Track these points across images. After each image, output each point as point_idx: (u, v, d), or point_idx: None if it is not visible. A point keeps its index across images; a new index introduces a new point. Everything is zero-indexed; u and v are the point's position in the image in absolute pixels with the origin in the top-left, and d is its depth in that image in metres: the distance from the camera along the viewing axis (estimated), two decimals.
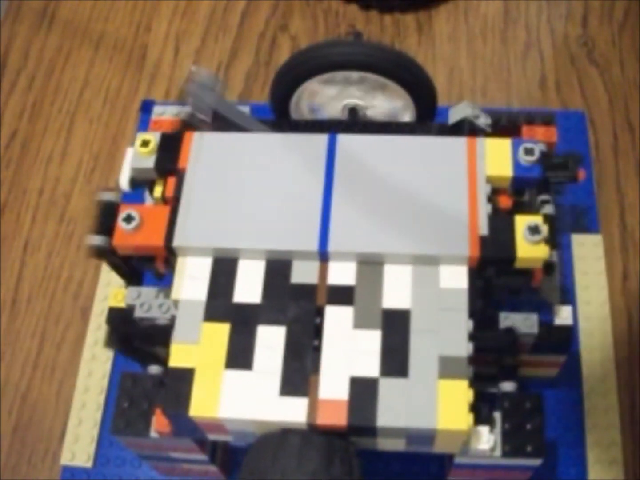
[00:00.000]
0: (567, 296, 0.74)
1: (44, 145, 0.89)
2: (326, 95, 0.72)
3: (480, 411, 0.55)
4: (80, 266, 0.81)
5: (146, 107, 0.84)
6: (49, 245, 0.83)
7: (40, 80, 0.93)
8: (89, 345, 0.76)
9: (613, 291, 0.76)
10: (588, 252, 0.77)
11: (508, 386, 0.58)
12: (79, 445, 0.71)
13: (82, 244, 0.82)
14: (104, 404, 0.73)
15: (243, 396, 0.53)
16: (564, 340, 0.59)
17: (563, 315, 0.60)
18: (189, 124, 0.65)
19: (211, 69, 0.91)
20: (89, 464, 0.71)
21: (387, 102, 0.72)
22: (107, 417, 0.72)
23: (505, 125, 0.64)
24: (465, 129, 0.63)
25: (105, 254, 0.60)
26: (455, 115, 0.64)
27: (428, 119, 0.70)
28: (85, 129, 0.89)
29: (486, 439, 0.54)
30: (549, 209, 0.61)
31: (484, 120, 0.63)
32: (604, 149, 0.84)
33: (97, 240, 0.59)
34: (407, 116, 0.72)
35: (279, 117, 0.72)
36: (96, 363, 0.75)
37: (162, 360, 0.58)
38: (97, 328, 0.76)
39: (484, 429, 0.54)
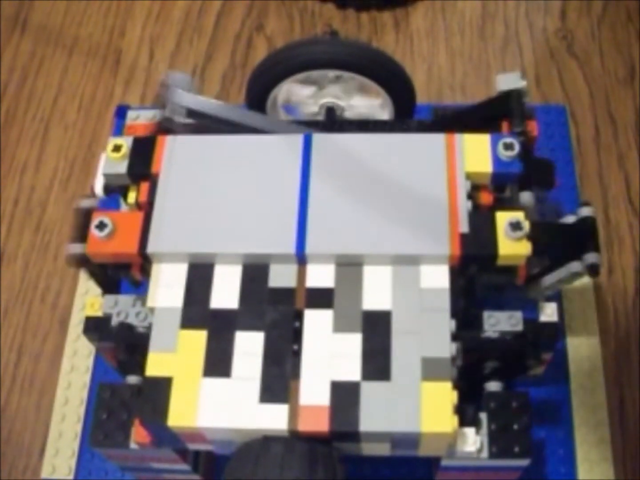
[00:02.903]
0: (551, 295, 0.73)
1: (18, 153, 0.87)
2: (303, 95, 0.71)
3: (466, 412, 0.53)
4: (57, 276, 0.80)
5: (121, 113, 0.83)
6: (25, 256, 0.81)
7: (13, 88, 0.92)
8: (67, 356, 0.74)
9: (598, 286, 0.75)
10: None
11: (494, 386, 0.57)
12: (60, 458, 0.70)
13: (59, 253, 0.81)
14: (84, 416, 0.71)
15: (222, 404, 0.51)
16: (549, 338, 0.58)
17: (548, 312, 0.59)
18: (165, 129, 0.63)
19: (187, 72, 0.90)
20: (70, 477, 0.69)
21: (365, 101, 0.71)
22: (87, 429, 0.70)
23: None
24: (511, 103, 0.61)
25: (83, 262, 0.59)
26: (504, 84, 0.63)
27: (407, 117, 0.70)
28: (60, 136, 0.88)
29: (472, 441, 0.53)
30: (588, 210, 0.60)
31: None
32: (586, 142, 0.83)
33: (75, 248, 0.58)
34: (386, 115, 0.71)
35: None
36: (75, 374, 0.73)
37: (141, 369, 0.57)
38: (76, 339, 0.74)
39: (470, 431, 0.53)
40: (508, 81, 0.63)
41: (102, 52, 0.93)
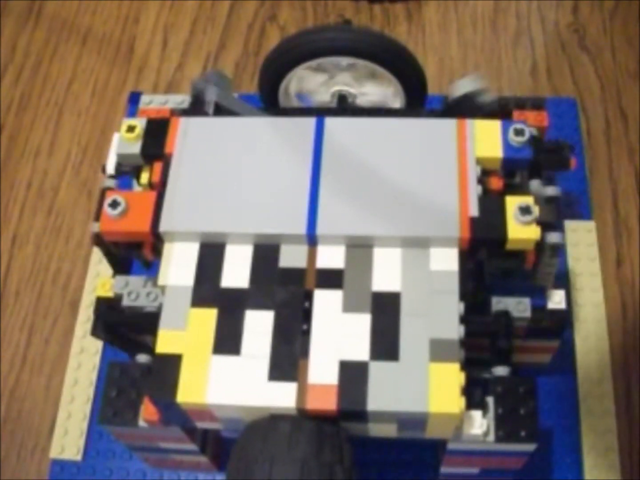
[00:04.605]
0: (560, 283, 0.73)
1: (31, 138, 0.88)
2: (315, 83, 0.72)
3: (473, 395, 0.54)
4: (68, 259, 0.80)
5: (134, 99, 0.84)
6: (37, 239, 0.82)
7: (28, 74, 0.92)
8: (78, 338, 0.75)
9: (607, 277, 0.75)
10: (581, 238, 0.76)
11: (501, 371, 0.57)
12: (68, 438, 0.71)
13: (70, 236, 0.82)
14: (93, 397, 0.72)
15: (231, 382, 0.52)
16: (557, 325, 0.58)
17: (556, 300, 0.59)
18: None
19: (201, 61, 0.91)
20: (78, 457, 0.70)
21: (376, 89, 0.72)
22: (96, 410, 0.71)
23: (496, 110, 0.64)
24: (465, 107, 0.62)
25: (100, 241, 0.59)
26: (458, 89, 0.63)
27: (418, 106, 0.70)
28: (73, 121, 0.89)
29: (479, 424, 0.53)
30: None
31: (489, 98, 0.62)
32: (596, 135, 0.83)
33: (94, 227, 0.58)
34: (397, 104, 0.71)
35: (268, 105, 0.71)
36: (85, 356, 0.74)
37: (151, 350, 0.57)
38: (86, 320, 0.75)
39: (476, 414, 0.53)
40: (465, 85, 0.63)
41: (116, 40, 0.94)
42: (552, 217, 0.58)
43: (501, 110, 0.63)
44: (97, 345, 0.74)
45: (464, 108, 0.62)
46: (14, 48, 0.94)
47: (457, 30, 0.91)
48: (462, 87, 0.63)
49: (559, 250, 0.58)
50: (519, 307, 0.57)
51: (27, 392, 0.74)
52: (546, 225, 0.56)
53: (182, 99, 0.66)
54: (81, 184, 0.84)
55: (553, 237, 0.57)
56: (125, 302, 0.58)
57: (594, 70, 0.87)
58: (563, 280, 0.73)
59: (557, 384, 0.70)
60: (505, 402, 0.55)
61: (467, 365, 0.52)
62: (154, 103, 0.67)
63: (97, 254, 0.78)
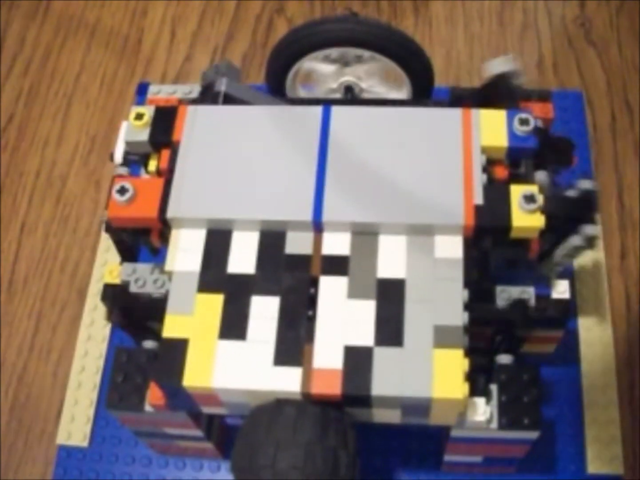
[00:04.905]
0: (565, 274, 0.73)
1: (40, 128, 0.89)
2: (322, 75, 0.72)
3: (477, 383, 0.54)
4: (76, 247, 0.81)
5: (142, 90, 0.84)
6: (45, 227, 0.82)
7: (37, 65, 0.93)
8: (85, 325, 0.75)
9: (611, 270, 0.76)
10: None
11: (505, 359, 0.57)
12: (75, 424, 0.71)
13: (78, 225, 0.82)
14: (100, 384, 0.73)
15: (237, 366, 0.52)
16: (561, 314, 0.59)
17: (560, 289, 0.59)
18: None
19: (208, 53, 0.91)
20: (84, 444, 0.71)
21: (383, 81, 0.72)
22: (103, 396, 0.72)
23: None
24: (500, 89, 0.61)
25: (110, 228, 0.59)
26: (492, 69, 0.63)
27: (425, 98, 0.70)
28: (82, 112, 0.89)
29: (482, 411, 0.54)
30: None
31: (522, 80, 0.62)
32: (602, 129, 0.84)
33: (106, 214, 0.59)
34: (404, 96, 0.72)
35: (276, 96, 0.72)
36: (92, 343, 0.74)
37: (157, 336, 0.58)
38: (94, 308, 0.76)
39: (480, 401, 0.54)
40: (499, 65, 0.63)
41: (125, 32, 0.95)
42: (589, 210, 0.58)
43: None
44: (104, 332, 0.75)
45: (499, 89, 0.62)
46: (23, 40, 0.95)
47: (464, 24, 0.92)
48: (497, 66, 0.63)
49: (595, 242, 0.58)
50: (523, 296, 0.58)
51: (34, 378, 0.75)
52: (582, 218, 0.57)
53: (190, 89, 0.66)
54: (89, 174, 0.85)
55: (590, 230, 0.57)
56: (133, 288, 0.59)
57: (600, 64, 0.88)
58: (567, 272, 0.74)
59: (560, 374, 0.70)
60: (508, 390, 0.55)
61: (471, 354, 0.53)
62: (162, 93, 0.67)
63: (104, 242, 0.79)
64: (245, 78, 0.89)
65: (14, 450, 0.72)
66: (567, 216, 0.57)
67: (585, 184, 0.58)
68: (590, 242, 0.57)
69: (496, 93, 0.62)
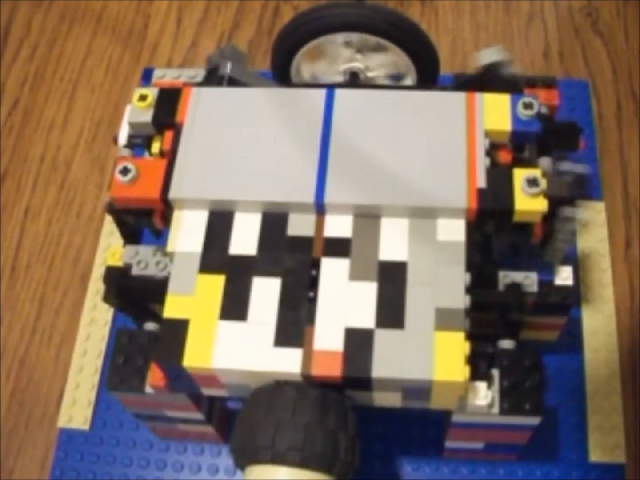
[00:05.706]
0: (569, 262, 0.73)
1: (45, 113, 0.89)
2: (327, 60, 0.72)
3: (478, 367, 0.54)
4: (79, 232, 0.81)
5: (147, 75, 0.84)
6: (49, 212, 0.82)
7: (43, 50, 0.93)
8: (87, 309, 0.75)
9: (615, 258, 0.75)
10: (590, 219, 0.76)
11: (507, 344, 0.57)
12: (76, 408, 0.71)
13: (82, 210, 0.82)
14: (102, 368, 0.73)
15: (237, 347, 0.52)
16: (564, 300, 0.58)
17: (563, 276, 0.59)
18: None
19: (214, 40, 0.91)
20: (86, 427, 0.71)
21: (388, 67, 0.72)
22: (104, 380, 0.71)
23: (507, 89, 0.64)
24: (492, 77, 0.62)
25: (112, 209, 0.59)
26: (482, 59, 0.63)
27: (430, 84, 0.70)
28: (87, 97, 0.89)
29: (484, 395, 0.54)
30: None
31: (512, 70, 0.63)
32: (608, 118, 0.83)
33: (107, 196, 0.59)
34: (409, 82, 0.71)
35: (281, 82, 0.72)
36: (94, 327, 0.74)
37: (159, 318, 0.58)
38: (96, 292, 0.76)
39: (481, 385, 0.54)
40: (489, 55, 0.64)
41: (131, 17, 0.94)
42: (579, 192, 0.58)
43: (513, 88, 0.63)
44: (107, 316, 0.75)
45: (487, 78, 0.62)
46: (29, 25, 0.95)
47: (470, 12, 0.91)
48: (488, 56, 0.63)
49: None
50: (526, 281, 0.57)
51: (36, 362, 0.75)
52: (575, 199, 0.57)
53: (195, 73, 0.66)
54: (94, 159, 0.85)
55: (571, 212, 0.57)
56: (135, 271, 0.59)
57: (606, 53, 0.87)
58: (571, 260, 0.74)
59: (563, 362, 0.70)
60: (510, 375, 0.55)
61: (473, 338, 0.53)
62: (167, 77, 0.67)
63: (107, 227, 0.79)
64: (250, 65, 0.88)
65: (15, 433, 0.72)
66: (563, 200, 0.57)
67: (577, 168, 0.58)
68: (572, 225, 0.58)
69: (493, 81, 0.62)
